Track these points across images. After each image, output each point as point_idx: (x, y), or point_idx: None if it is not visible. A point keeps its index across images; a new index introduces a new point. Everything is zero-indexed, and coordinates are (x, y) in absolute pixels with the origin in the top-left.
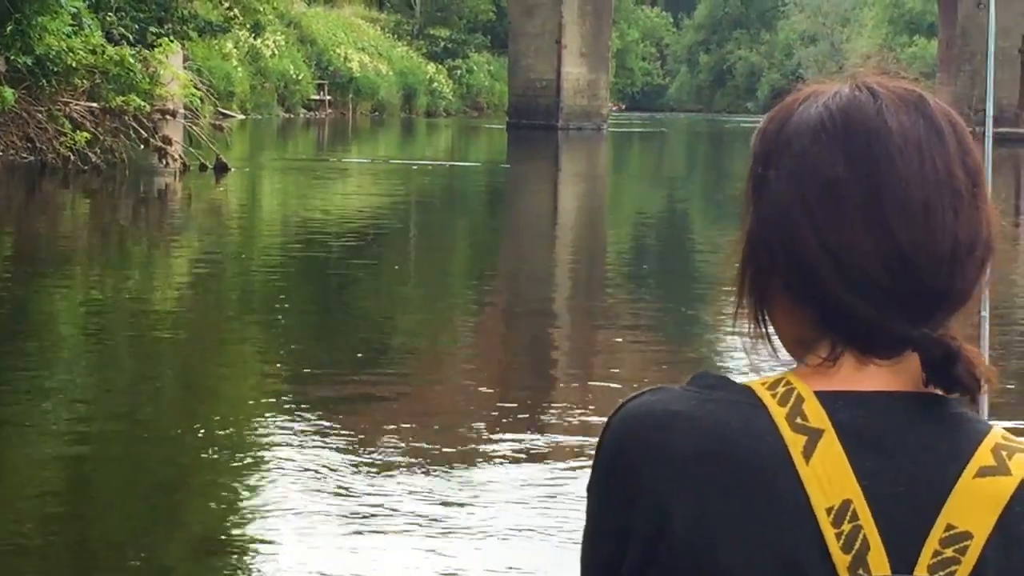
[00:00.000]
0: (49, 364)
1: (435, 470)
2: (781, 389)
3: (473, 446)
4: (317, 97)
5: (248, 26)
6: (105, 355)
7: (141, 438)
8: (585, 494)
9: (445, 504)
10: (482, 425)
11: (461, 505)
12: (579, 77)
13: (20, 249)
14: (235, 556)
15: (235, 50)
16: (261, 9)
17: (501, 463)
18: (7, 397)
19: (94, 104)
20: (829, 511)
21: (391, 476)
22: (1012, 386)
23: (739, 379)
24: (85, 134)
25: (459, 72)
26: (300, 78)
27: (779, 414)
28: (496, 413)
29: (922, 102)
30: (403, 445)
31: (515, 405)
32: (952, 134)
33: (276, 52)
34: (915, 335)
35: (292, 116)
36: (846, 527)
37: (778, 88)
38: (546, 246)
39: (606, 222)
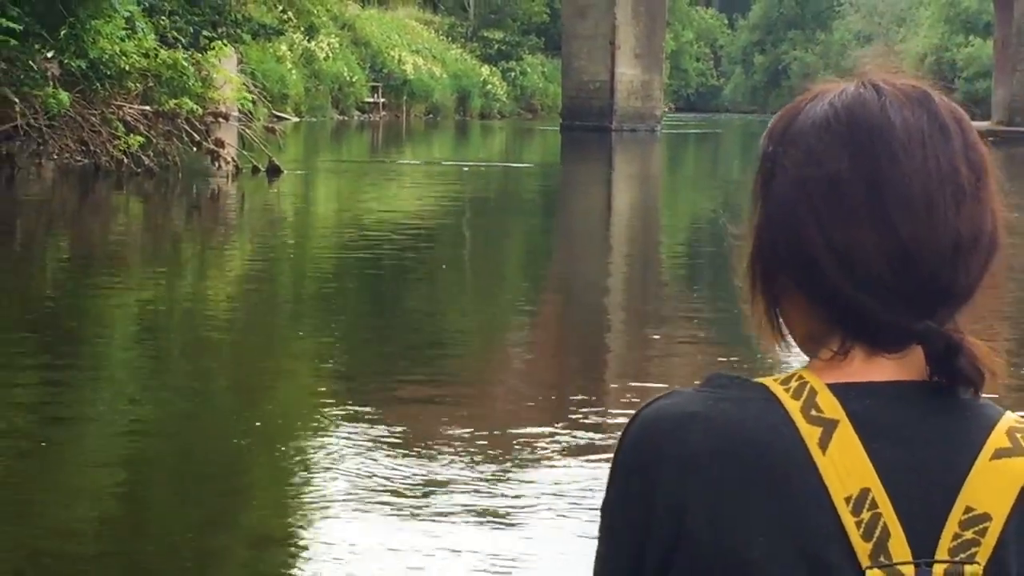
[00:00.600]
0: (104, 366)
1: (486, 470)
2: (794, 384)
3: (524, 446)
4: (371, 100)
5: (302, 29)
6: (159, 358)
7: (194, 440)
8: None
9: (496, 502)
10: (533, 426)
11: (512, 503)
12: (633, 78)
13: (75, 252)
14: (288, 558)
15: (289, 53)
16: (315, 12)
17: (552, 463)
18: (64, 397)
19: (147, 107)
20: (848, 500)
21: (442, 477)
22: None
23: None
24: (138, 137)
25: (513, 74)
26: (354, 80)
27: (793, 407)
28: (547, 414)
29: (927, 98)
30: (454, 445)
31: (566, 405)
32: (957, 130)
33: (330, 55)
34: (918, 328)
35: (346, 119)
36: (865, 515)
37: None
38: (599, 248)
39: (660, 224)
